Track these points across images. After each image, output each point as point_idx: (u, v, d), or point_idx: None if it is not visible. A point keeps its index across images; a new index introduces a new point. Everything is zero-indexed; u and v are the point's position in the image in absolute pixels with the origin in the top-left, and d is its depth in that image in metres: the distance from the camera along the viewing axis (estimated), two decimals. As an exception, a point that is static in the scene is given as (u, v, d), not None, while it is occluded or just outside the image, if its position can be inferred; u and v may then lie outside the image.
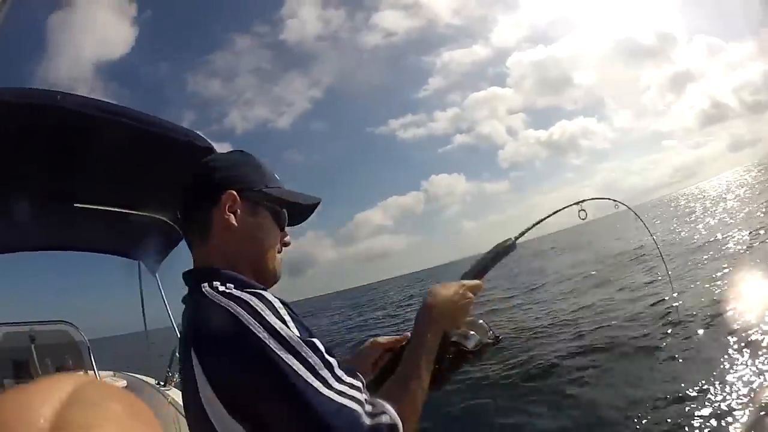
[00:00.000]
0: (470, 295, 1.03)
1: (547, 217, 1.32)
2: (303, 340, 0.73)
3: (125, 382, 4.62)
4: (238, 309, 0.74)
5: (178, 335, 3.65)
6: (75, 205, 2.62)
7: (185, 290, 0.87)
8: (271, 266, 0.93)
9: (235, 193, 0.89)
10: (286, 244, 0.97)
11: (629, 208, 1.53)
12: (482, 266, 1.16)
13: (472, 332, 1.07)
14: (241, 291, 0.78)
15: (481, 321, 1.09)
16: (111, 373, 4.87)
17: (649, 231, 1.68)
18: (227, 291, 0.78)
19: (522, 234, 1.23)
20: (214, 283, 0.80)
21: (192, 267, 0.91)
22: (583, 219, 1.33)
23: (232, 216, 0.89)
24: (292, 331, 0.73)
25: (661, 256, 2.42)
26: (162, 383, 4.14)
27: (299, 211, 0.98)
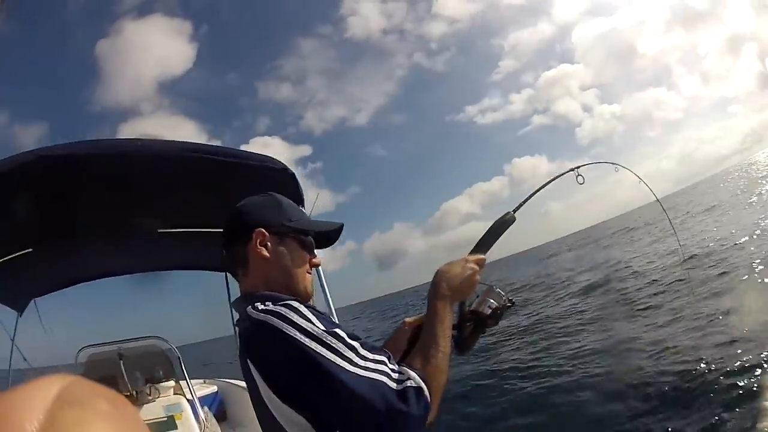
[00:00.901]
0: (474, 267, 1.15)
1: (544, 186, 1.40)
2: (327, 332, 0.90)
3: (216, 387, 4.83)
4: (273, 319, 0.92)
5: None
6: (158, 231, 2.93)
7: None
8: (301, 285, 1.12)
9: (263, 230, 1.10)
10: (315, 265, 1.16)
11: (630, 171, 1.54)
12: (485, 241, 1.25)
13: (489, 299, 1.19)
14: (275, 305, 0.96)
15: (497, 289, 1.20)
16: (201, 380, 5.04)
17: (656, 197, 1.68)
18: (264, 308, 0.96)
19: (520, 206, 1.31)
20: (256, 304, 0.98)
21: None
22: (581, 183, 1.41)
23: (263, 249, 1.09)
24: (316, 326, 0.90)
25: (669, 221, 2.28)
26: None
27: (326, 236, 1.19)
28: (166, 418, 3.30)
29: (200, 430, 3.41)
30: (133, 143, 2.22)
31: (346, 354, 0.88)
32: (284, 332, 0.89)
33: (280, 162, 2.52)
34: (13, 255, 2.77)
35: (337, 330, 0.92)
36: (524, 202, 1.34)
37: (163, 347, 4.06)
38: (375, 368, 0.88)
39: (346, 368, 0.86)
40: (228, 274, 3.81)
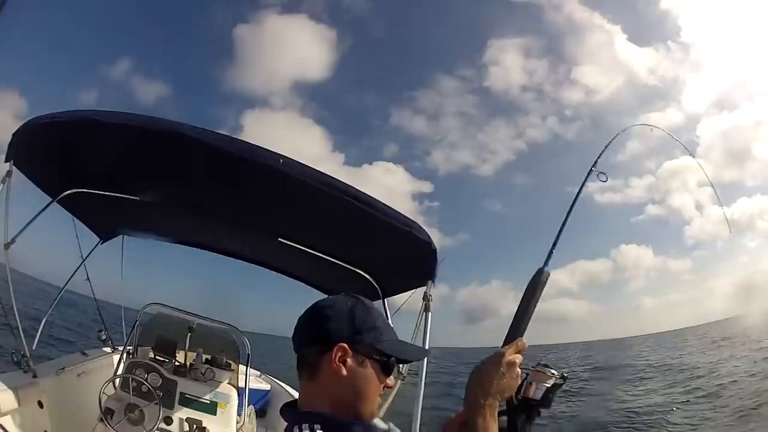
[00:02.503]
0: (513, 359, 1.09)
1: (571, 209, 1.46)
2: None
3: (269, 386, 4.95)
4: None
5: None
6: (278, 239, 3.13)
7: None
8: (369, 408, 1.02)
9: (346, 346, 0.98)
10: (388, 387, 1.06)
11: (665, 131, 1.72)
12: (520, 318, 1.17)
13: (539, 382, 1.13)
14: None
15: (545, 368, 1.14)
16: (258, 373, 5.15)
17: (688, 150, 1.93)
18: None
19: (548, 258, 1.27)
20: (303, 425, 0.94)
21: (299, 399, 1.05)
22: (604, 181, 1.59)
23: (342, 366, 0.98)
24: None
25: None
26: None
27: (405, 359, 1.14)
28: (209, 402, 3.29)
29: (237, 425, 3.37)
30: (274, 158, 2.28)
31: None
32: None
33: (427, 234, 2.52)
34: (119, 194, 3.02)
35: None
36: (550, 253, 1.31)
37: (236, 338, 4.04)
38: None
39: None
40: None
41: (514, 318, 1.18)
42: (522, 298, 1.20)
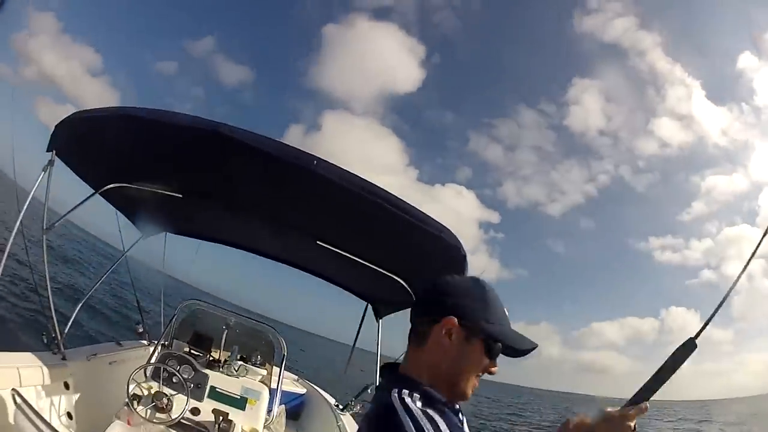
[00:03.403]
0: (631, 425, 1.04)
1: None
2: None
3: (304, 390, 4.93)
4: (409, 423, 0.91)
5: (377, 377, 3.60)
6: (316, 242, 3.21)
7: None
8: (464, 389, 1.05)
9: (455, 320, 1.03)
10: (490, 373, 1.08)
11: None
12: (651, 386, 1.11)
13: None
14: (422, 407, 0.95)
15: None
16: (295, 377, 5.17)
17: None
18: (409, 406, 0.95)
19: (702, 329, 1.15)
20: (404, 391, 0.98)
21: (402, 361, 1.10)
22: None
23: (447, 338, 1.04)
24: None
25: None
26: (341, 407, 4.35)
27: (513, 348, 1.07)
28: (239, 397, 3.28)
29: (264, 422, 3.34)
30: (308, 160, 2.31)
31: None
32: None
33: (457, 239, 2.53)
34: (163, 192, 3.07)
35: None
36: (706, 324, 1.18)
37: (272, 338, 4.07)
38: None
39: None
40: (369, 306, 4.18)
41: (650, 380, 1.12)
42: (665, 362, 1.13)
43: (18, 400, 2.24)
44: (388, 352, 3.90)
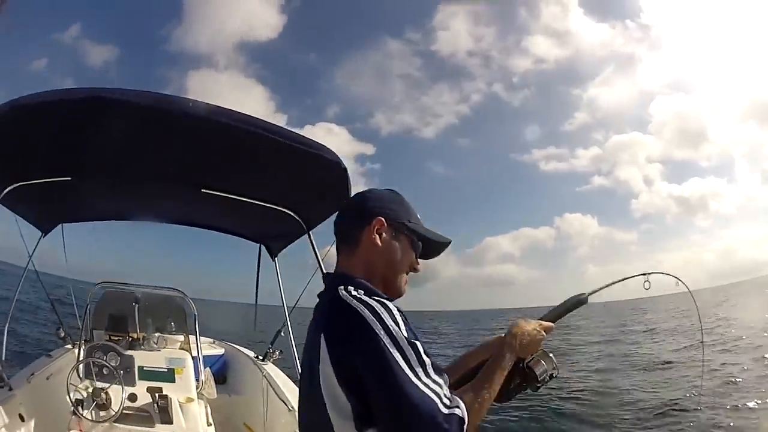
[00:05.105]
0: (543, 333, 1.23)
1: (618, 281, 1.47)
2: (408, 341, 0.95)
3: (223, 350, 4.94)
4: (365, 311, 0.97)
5: (287, 317, 3.88)
6: (201, 190, 3.04)
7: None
8: (398, 283, 1.17)
9: (383, 219, 1.14)
10: (415, 270, 1.20)
11: (687, 288, 1.55)
12: (557, 313, 1.35)
13: (543, 362, 1.25)
14: (369, 297, 1.01)
15: (551, 355, 1.26)
16: (211, 340, 5.10)
17: (699, 315, 1.74)
18: (358, 296, 1.01)
19: (594, 292, 1.40)
20: (349, 287, 1.04)
21: (336, 267, 1.18)
22: (647, 289, 1.45)
23: (378, 237, 1.14)
24: (402, 333, 0.96)
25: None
26: (261, 357, 4.42)
27: (432, 246, 1.23)
28: (166, 370, 3.33)
29: (197, 388, 3.44)
30: (193, 104, 2.25)
31: (415, 367, 0.94)
32: (372, 327, 0.95)
33: (336, 155, 2.53)
34: (52, 179, 2.90)
35: (417, 343, 0.97)
36: (600, 289, 1.43)
37: (181, 302, 4.12)
38: (433, 388, 0.94)
39: (411, 379, 0.92)
40: (263, 246, 4.08)
41: (552, 310, 1.35)
42: (563, 302, 1.37)
43: None
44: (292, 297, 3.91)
